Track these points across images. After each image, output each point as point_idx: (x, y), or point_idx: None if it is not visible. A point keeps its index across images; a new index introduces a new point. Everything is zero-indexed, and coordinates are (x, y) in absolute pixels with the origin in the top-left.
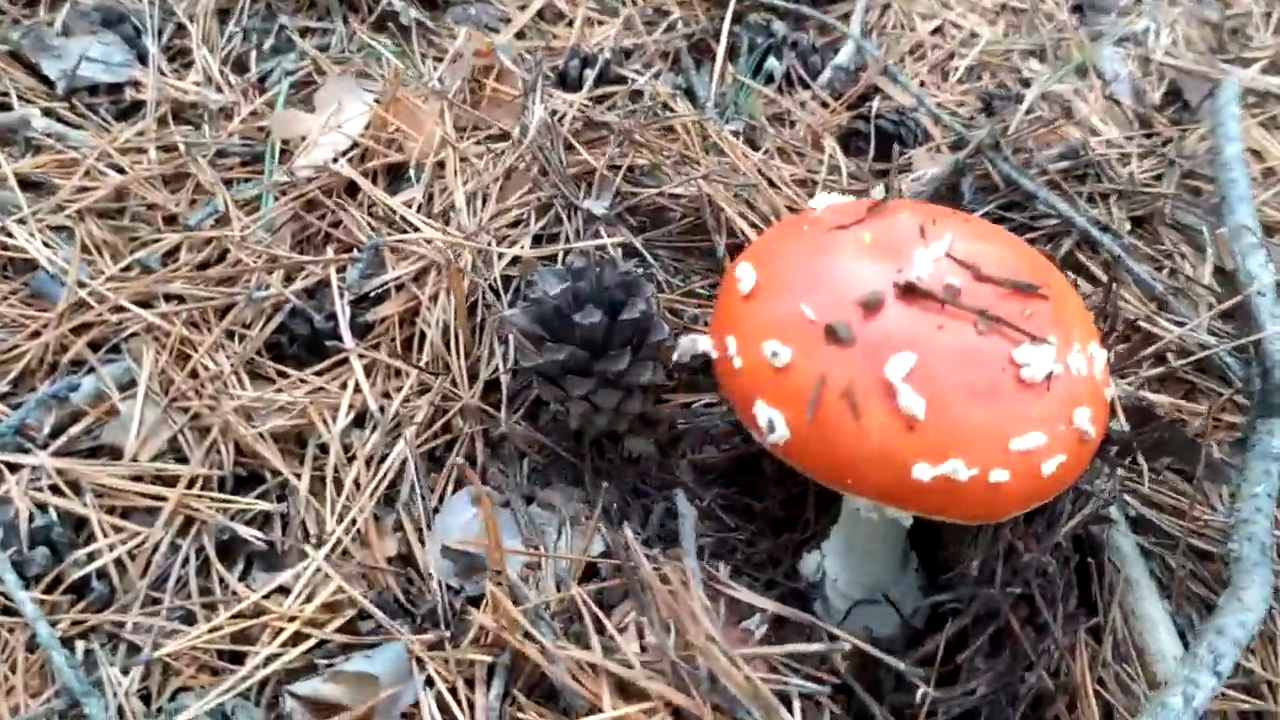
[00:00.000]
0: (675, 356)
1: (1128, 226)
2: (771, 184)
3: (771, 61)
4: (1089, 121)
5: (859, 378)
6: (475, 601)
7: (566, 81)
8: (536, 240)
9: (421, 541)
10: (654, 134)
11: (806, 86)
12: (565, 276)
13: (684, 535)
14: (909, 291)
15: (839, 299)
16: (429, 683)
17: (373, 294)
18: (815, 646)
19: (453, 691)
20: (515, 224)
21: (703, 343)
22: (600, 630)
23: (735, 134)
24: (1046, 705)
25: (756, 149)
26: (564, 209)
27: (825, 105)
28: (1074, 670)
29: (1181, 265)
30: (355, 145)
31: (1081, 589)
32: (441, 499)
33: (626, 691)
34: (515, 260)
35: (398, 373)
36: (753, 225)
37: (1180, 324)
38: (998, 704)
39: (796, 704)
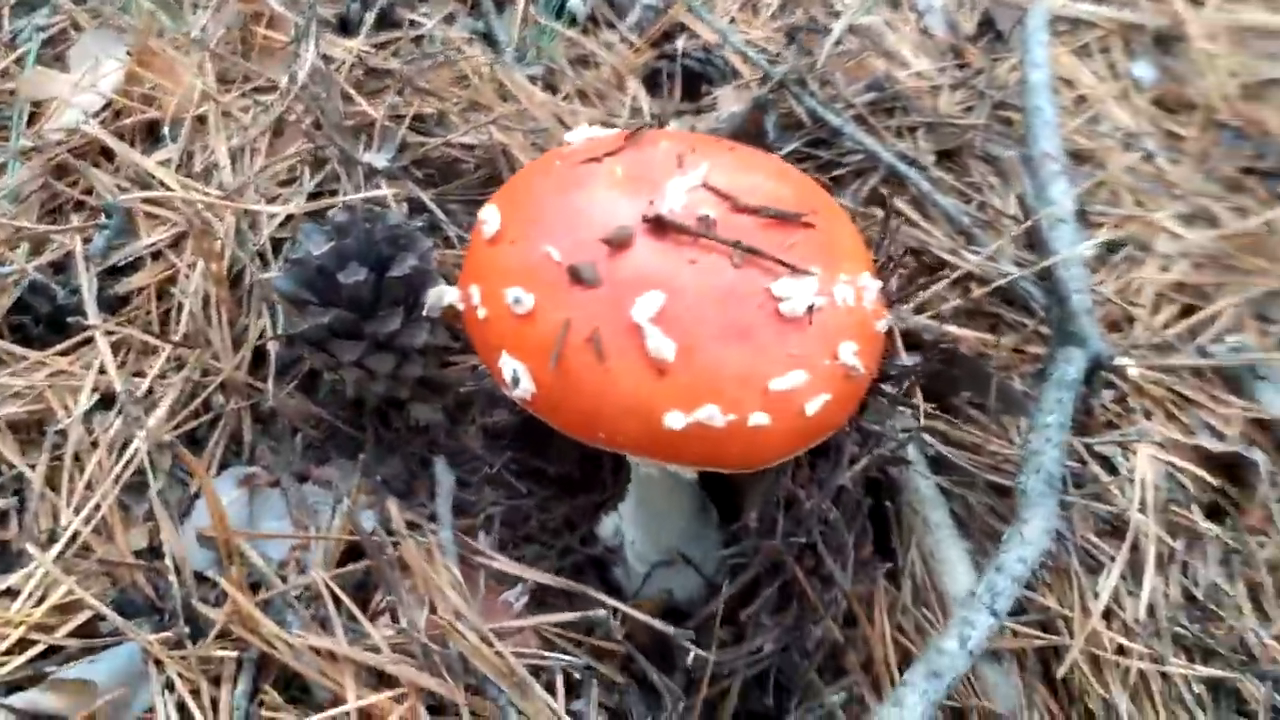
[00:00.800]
0: (425, 310)
1: (933, 159)
2: (567, 129)
3: (574, 2)
4: (900, 54)
5: (605, 322)
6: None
7: (348, 27)
8: (312, 198)
9: (178, 531)
10: (444, 81)
11: (613, 27)
12: (330, 234)
13: (439, 505)
14: (659, 225)
15: (586, 238)
16: (169, 685)
17: (125, 264)
18: (572, 615)
19: (195, 693)
20: (287, 182)
21: (449, 294)
22: (352, 616)
23: (532, 79)
24: (841, 657)
25: (555, 93)
26: (341, 164)
27: (632, 46)
28: (865, 620)
29: (990, 198)
30: (109, 104)
31: (880, 534)
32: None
33: (377, 679)
34: (288, 220)
35: (152, 350)
36: None
37: (987, 257)
38: (790, 659)
39: (559, 678)
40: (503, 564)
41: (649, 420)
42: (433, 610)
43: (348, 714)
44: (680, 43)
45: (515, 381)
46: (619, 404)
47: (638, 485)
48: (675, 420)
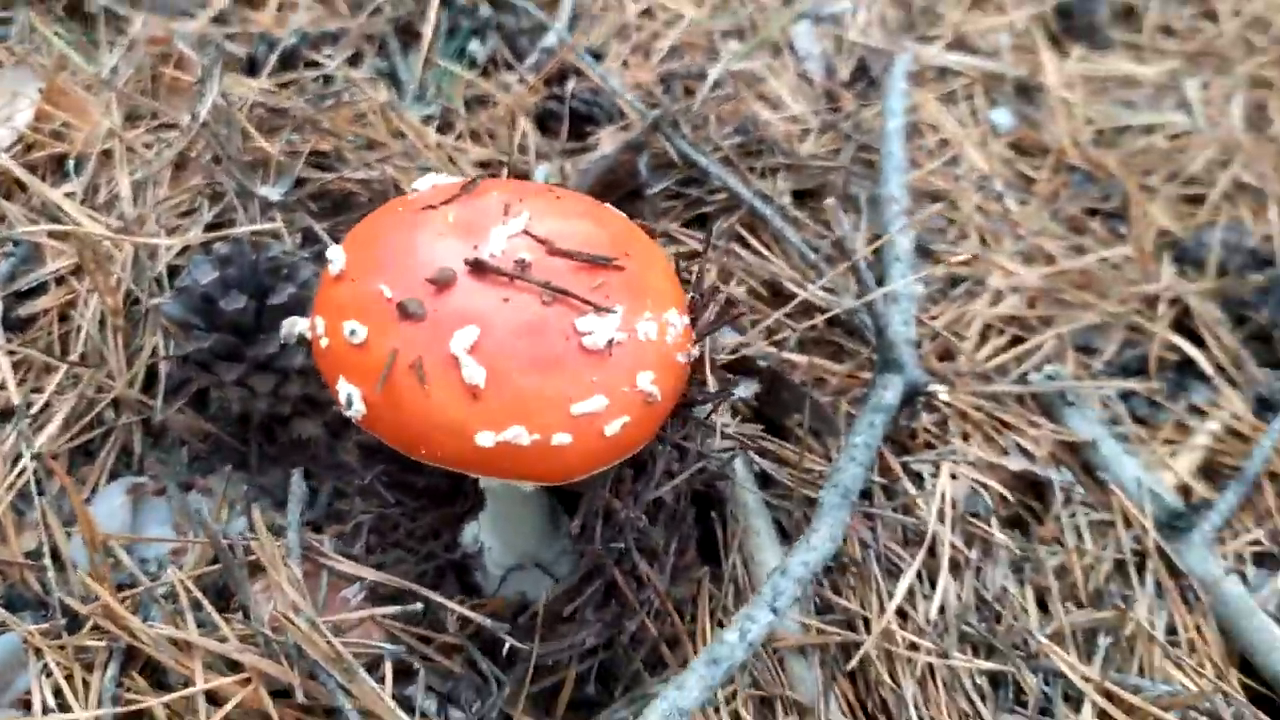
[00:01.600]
0: (280, 339)
1: (789, 199)
2: (455, 166)
3: (474, 45)
4: (777, 97)
5: (428, 352)
6: (120, 589)
7: (255, 67)
8: (211, 228)
9: (67, 535)
10: (342, 120)
11: (512, 69)
12: (215, 264)
13: (290, 511)
14: (478, 268)
15: (415, 277)
16: (46, 672)
17: (29, 289)
18: (395, 609)
19: (69, 678)
20: (186, 213)
21: (300, 324)
22: (204, 610)
23: (429, 119)
24: (664, 652)
25: (449, 131)
26: (239, 196)
27: (528, 86)
28: (686, 618)
29: (849, 234)
30: (21, 139)
31: (708, 542)
32: (95, 491)
33: (226, 666)
34: (184, 250)
35: (49, 369)
36: None
37: (830, 290)
38: (615, 653)
39: (388, 665)
40: (343, 565)
41: (463, 438)
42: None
43: (196, 696)
44: (570, 85)
45: (349, 403)
46: (437, 424)
47: (489, 496)
48: (485, 439)
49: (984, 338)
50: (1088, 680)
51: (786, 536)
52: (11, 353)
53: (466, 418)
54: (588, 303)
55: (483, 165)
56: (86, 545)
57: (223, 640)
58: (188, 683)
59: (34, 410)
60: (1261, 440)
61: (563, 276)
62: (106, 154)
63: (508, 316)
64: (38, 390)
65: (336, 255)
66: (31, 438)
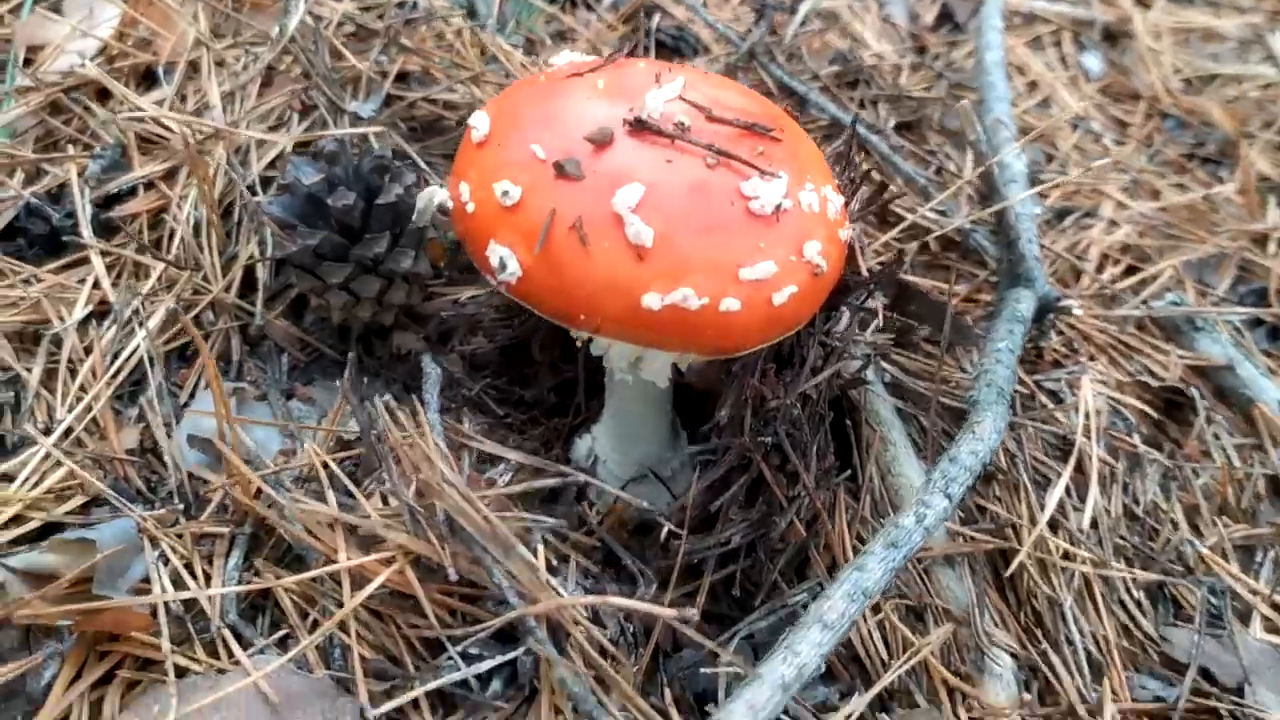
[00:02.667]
0: (415, 216)
1: (893, 124)
2: None
3: None
4: (863, 38)
5: (589, 210)
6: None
7: None
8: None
9: (169, 435)
10: (428, 43)
11: (590, 9)
12: (319, 163)
13: (426, 391)
14: (639, 127)
15: (569, 137)
16: (163, 560)
17: (120, 194)
18: (550, 481)
19: (188, 567)
20: (275, 126)
21: (439, 194)
22: (345, 492)
23: (513, 46)
24: (805, 561)
25: (534, 57)
26: (329, 112)
27: (608, 24)
28: (828, 521)
29: (946, 163)
30: (104, 49)
31: (841, 451)
32: (193, 395)
33: (366, 544)
34: (277, 160)
35: (146, 271)
36: None
37: (943, 213)
38: (756, 555)
39: (540, 546)
40: (487, 445)
41: (628, 300)
42: (420, 479)
43: (339, 574)
44: (655, 20)
45: (502, 266)
46: (601, 285)
47: (613, 400)
48: (653, 301)
49: (1101, 266)
50: (1255, 593)
51: (919, 448)
52: (105, 253)
53: (632, 278)
54: (753, 166)
55: None
56: (218, 421)
57: (365, 517)
58: (328, 562)
59: (128, 312)
60: None
61: (723, 141)
62: (193, 65)
63: (671, 177)
64: (131, 293)
65: (480, 121)
66: (145, 328)
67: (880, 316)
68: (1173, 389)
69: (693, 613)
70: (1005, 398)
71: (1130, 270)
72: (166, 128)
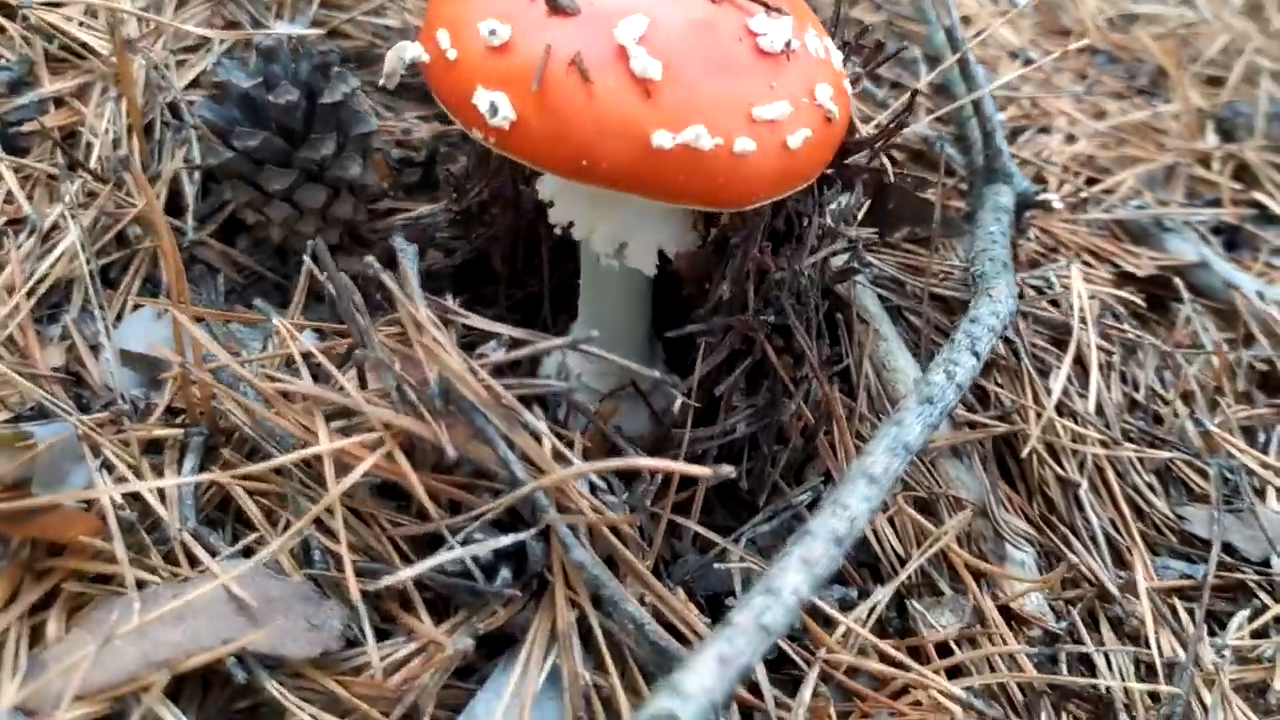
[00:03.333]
0: (383, 78)
1: None
2: None
3: None
4: None
5: (587, 46)
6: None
7: None
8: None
9: (95, 355)
10: None
11: None
12: (256, 67)
13: (402, 265)
14: None
15: None
16: (106, 468)
17: (25, 110)
18: (556, 341)
19: (136, 472)
20: (195, 48)
21: (411, 49)
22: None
23: None
24: (806, 463)
25: None
26: (254, 28)
27: None
28: (838, 406)
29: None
30: None
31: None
32: (119, 317)
33: (347, 427)
34: (200, 76)
35: (56, 190)
36: None
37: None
38: (758, 452)
39: (544, 428)
40: (474, 319)
41: (637, 140)
42: (404, 355)
43: (313, 464)
44: None
45: (493, 110)
46: (605, 125)
47: (589, 304)
48: (663, 139)
49: (1061, 178)
50: (1268, 468)
51: (911, 347)
52: (18, 169)
53: (640, 116)
54: (759, 1)
55: None
56: (173, 315)
57: (345, 394)
58: (306, 445)
59: (45, 226)
60: None
61: None
62: None
63: (673, 11)
64: (45, 209)
65: None
66: (80, 247)
67: (861, 206)
68: (1154, 280)
69: (730, 469)
70: (1010, 270)
71: (1090, 181)
72: (80, 43)
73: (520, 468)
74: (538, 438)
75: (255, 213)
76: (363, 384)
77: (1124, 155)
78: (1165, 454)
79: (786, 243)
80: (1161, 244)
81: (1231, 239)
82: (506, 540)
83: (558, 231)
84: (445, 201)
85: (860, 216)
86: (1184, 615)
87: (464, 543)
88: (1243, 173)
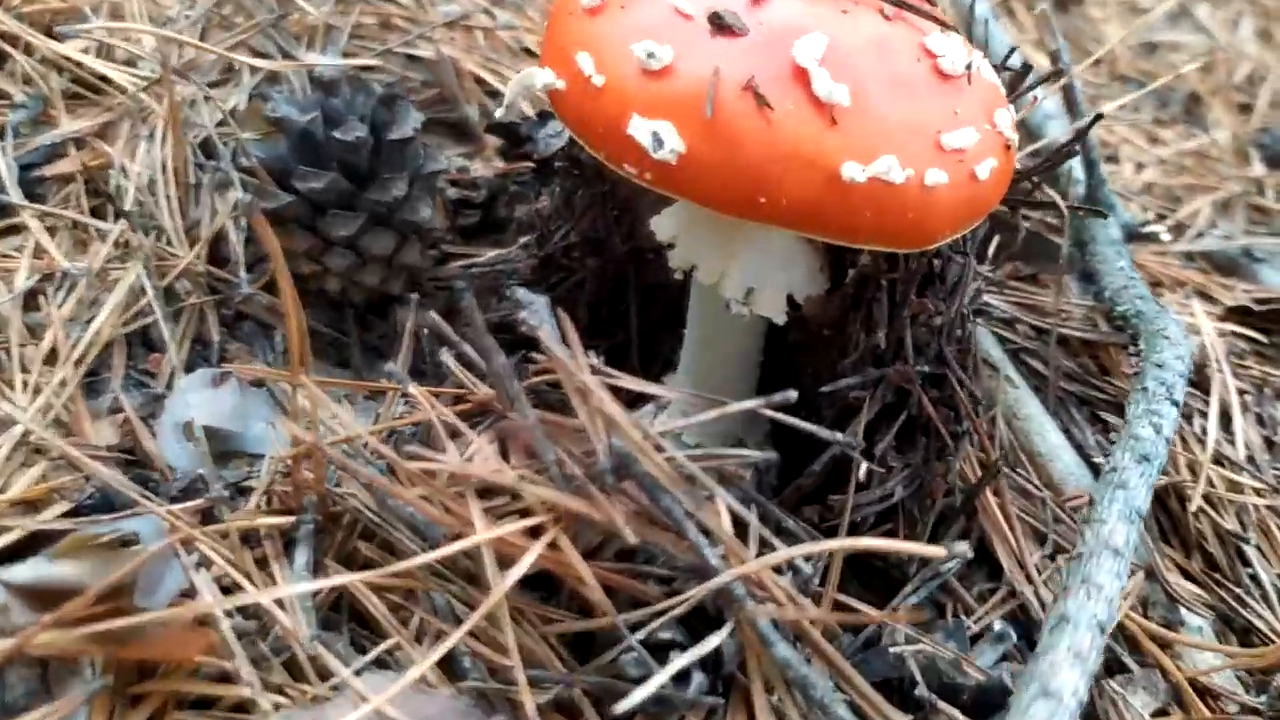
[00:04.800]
0: (502, 110)
1: None
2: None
3: None
4: None
5: (761, 67)
6: (240, 492)
7: None
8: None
9: (150, 430)
10: None
11: None
12: (311, 100)
13: (542, 323)
14: None
15: None
16: (203, 565)
17: (45, 153)
18: (749, 404)
19: (245, 575)
20: (222, 82)
21: (540, 75)
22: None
23: None
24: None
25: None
26: (284, 58)
27: None
28: (991, 458)
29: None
30: None
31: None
32: (170, 383)
33: (494, 509)
34: (228, 119)
35: (84, 240)
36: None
37: None
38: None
39: (721, 503)
40: (626, 382)
41: (823, 173)
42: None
43: (478, 554)
44: None
45: (657, 143)
46: (787, 156)
47: (696, 357)
48: (853, 171)
49: (1146, 206)
50: None
51: (1038, 392)
52: (42, 217)
53: (827, 145)
54: (932, 18)
55: None
56: (292, 371)
57: (498, 472)
58: (457, 536)
59: (82, 283)
60: None
61: None
62: (117, 7)
63: (850, 29)
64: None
65: None
66: (117, 310)
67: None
68: (1267, 315)
69: (964, 547)
70: (1164, 308)
71: (1163, 214)
72: (98, 76)
73: (714, 554)
74: (735, 519)
75: (312, 262)
76: (504, 458)
77: (1189, 184)
78: None
79: (931, 284)
80: (1254, 275)
81: None
82: (714, 641)
83: (678, 276)
84: (516, 246)
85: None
86: None
87: (649, 641)
88: None
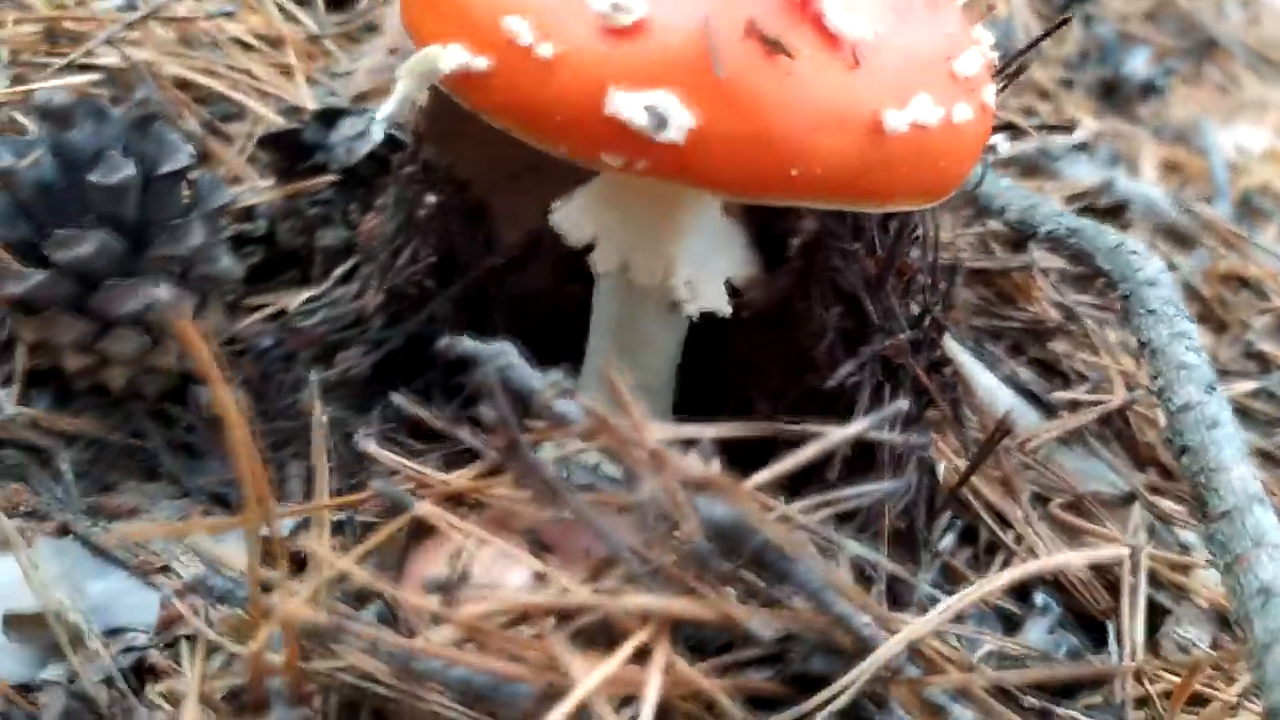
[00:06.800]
0: (389, 109)
1: None
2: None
3: None
4: None
5: (753, 4)
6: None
7: None
8: None
9: None
10: None
11: None
12: (37, 136)
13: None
14: None
15: None
16: None
17: None
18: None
19: None
20: None
21: (446, 57)
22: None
23: None
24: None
25: None
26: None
27: None
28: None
29: None
30: None
31: None
32: None
33: (579, 632)
34: None
35: None
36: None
37: None
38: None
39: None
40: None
41: (861, 126)
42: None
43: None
44: None
45: (658, 121)
46: (818, 111)
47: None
48: (896, 120)
49: None
50: None
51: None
52: None
53: (859, 91)
54: None
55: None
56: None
57: (564, 590)
58: (549, 696)
59: None
60: None
61: None
62: None
63: None
64: None
65: None
66: None
67: None
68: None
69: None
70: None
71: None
72: None
73: (866, 623)
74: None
75: (83, 354)
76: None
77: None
78: None
79: (899, 240)
80: (1058, 173)
81: None
82: None
83: (603, 283)
84: (330, 283)
85: None
86: None
87: None
88: None
